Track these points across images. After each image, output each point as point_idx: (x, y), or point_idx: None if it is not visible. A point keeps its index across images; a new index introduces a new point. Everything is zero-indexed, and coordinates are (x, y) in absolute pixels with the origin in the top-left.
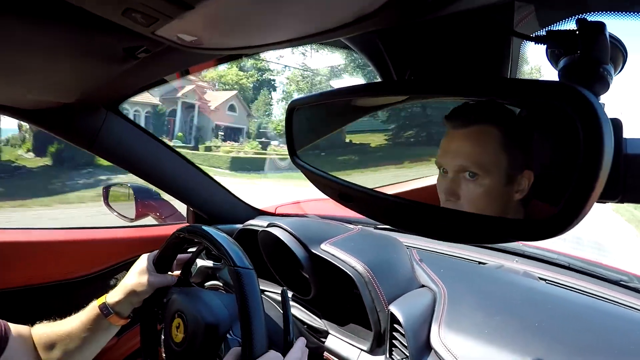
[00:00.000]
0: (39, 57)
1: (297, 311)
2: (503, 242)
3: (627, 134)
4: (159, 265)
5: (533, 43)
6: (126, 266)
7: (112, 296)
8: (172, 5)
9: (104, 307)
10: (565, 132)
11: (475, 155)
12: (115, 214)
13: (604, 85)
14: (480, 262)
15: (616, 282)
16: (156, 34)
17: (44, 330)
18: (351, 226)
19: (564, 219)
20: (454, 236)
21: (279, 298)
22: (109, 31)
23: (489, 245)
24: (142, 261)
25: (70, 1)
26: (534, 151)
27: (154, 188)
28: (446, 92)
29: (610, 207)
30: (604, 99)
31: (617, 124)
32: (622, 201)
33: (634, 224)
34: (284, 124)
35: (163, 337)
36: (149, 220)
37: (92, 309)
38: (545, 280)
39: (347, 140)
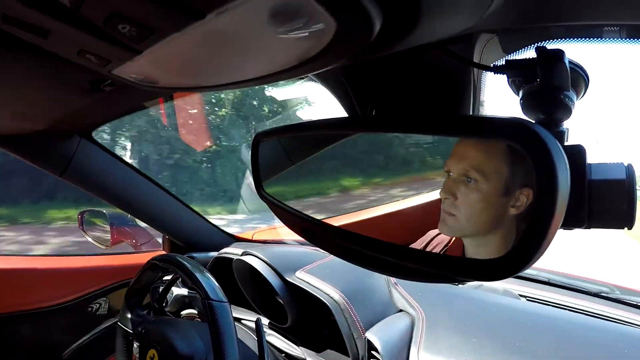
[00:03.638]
0: (5, 86)
1: (275, 339)
2: (459, 281)
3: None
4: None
5: (493, 73)
6: (101, 294)
7: None
8: (120, 50)
9: None
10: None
11: (478, 161)
12: (91, 240)
13: (566, 111)
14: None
15: (597, 295)
16: (113, 73)
17: None
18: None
19: (520, 258)
20: (409, 273)
21: None
22: (74, 65)
23: None
24: None
25: (29, 40)
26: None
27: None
28: (406, 129)
29: None
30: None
31: (579, 150)
32: (588, 227)
33: None
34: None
35: None
36: (125, 247)
37: None
38: (525, 297)
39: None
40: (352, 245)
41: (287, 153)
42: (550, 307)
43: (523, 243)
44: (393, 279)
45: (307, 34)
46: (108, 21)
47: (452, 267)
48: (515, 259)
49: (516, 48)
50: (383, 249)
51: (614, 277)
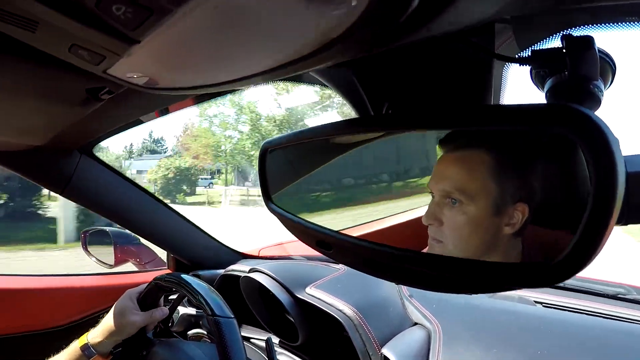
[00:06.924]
0: (1, 97)
1: (286, 358)
2: (503, 290)
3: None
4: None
5: (517, 65)
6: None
7: (94, 336)
8: (116, 40)
9: (85, 348)
10: (568, 157)
11: (460, 180)
12: (94, 259)
13: (596, 102)
14: None
15: (613, 297)
16: (108, 73)
17: None
18: (337, 266)
19: (577, 259)
20: (444, 285)
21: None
22: (68, 71)
23: None
24: (125, 299)
25: (17, 37)
26: (535, 180)
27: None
28: (427, 125)
29: None
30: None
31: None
32: (626, 223)
33: None
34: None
35: None
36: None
37: (73, 350)
38: (541, 303)
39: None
40: (375, 257)
41: (297, 162)
42: (567, 312)
43: (579, 243)
44: (406, 292)
45: (334, 9)
46: (100, 1)
47: (497, 275)
48: (573, 260)
49: (532, 42)
50: (417, 260)
51: (616, 274)
